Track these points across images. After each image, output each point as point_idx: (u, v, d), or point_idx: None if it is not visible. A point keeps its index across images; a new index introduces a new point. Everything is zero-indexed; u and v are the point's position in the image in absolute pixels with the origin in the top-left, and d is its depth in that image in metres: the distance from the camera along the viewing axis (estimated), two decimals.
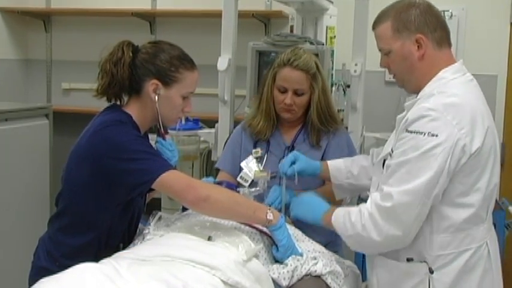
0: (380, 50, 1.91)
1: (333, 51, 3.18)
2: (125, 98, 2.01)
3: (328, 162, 2.24)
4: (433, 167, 1.68)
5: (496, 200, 3.33)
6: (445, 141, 1.67)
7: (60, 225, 1.95)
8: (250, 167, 2.38)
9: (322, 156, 2.38)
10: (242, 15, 3.24)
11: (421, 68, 1.83)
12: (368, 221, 1.77)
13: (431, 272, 1.78)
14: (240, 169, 2.40)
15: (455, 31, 3.75)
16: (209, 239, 1.78)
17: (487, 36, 3.81)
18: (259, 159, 2.40)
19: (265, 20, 4.16)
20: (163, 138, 2.06)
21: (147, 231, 1.93)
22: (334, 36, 3.42)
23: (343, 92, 3.29)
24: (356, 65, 2.79)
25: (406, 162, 1.72)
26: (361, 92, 2.84)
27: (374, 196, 1.79)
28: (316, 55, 2.82)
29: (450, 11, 3.67)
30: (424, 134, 1.69)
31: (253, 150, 2.42)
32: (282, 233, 1.87)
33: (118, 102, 2.01)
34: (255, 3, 3.93)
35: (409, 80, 1.88)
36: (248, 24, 3.83)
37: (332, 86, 3.12)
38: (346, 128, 2.85)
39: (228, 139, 2.70)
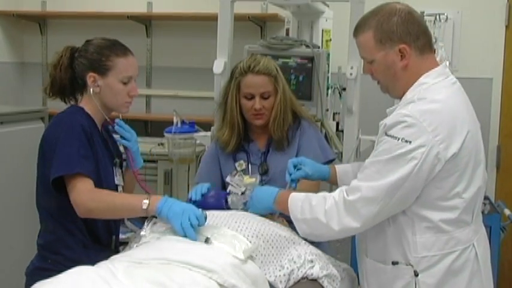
0: (362, 58, 1.92)
1: (328, 54, 3.18)
2: (80, 97, 2.12)
3: (336, 166, 2.29)
4: (400, 171, 1.73)
5: (492, 203, 3.35)
6: (418, 148, 1.71)
7: (42, 230, 2.09)
8: (236, 180, 2.37)
9: (297, 153, 2.42)
10: (238, 18, 3.24)
11: (404, 76, 1.85)
12: (332, 208, 1.82)
13: (416, 274, 1.80)
14: (223, 183, 2.44)
15: (451, 34, 3.76)
16: (206, 240, 1.78)
17: (483, 39, 3.83)
18: (243, 171, 2.42)
19: (261, 23, 4.16)
20: (111, 126, 2.16)
21: (143, 233, 1.93)
22: (330, 39, 3.41)
23: (339, 95, 3.30)
24: (352, 68, 2.79)
25: (377, 162, 1.78)
26: (356, 95, 2.84)
27: (344, 188, 1.84)
28: (312, 58, 2.83)
29: (445, 14, 3.66)
30: (398, 140, 1.74)
31: (237, 164, 2.44)
32: (170, 217, 1.84)
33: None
34: (251, 6, 3.92)
35: (393, 87, 1.90)
36: (244, 28, 3.84)
37: (328, 89, 3.13)
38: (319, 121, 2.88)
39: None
